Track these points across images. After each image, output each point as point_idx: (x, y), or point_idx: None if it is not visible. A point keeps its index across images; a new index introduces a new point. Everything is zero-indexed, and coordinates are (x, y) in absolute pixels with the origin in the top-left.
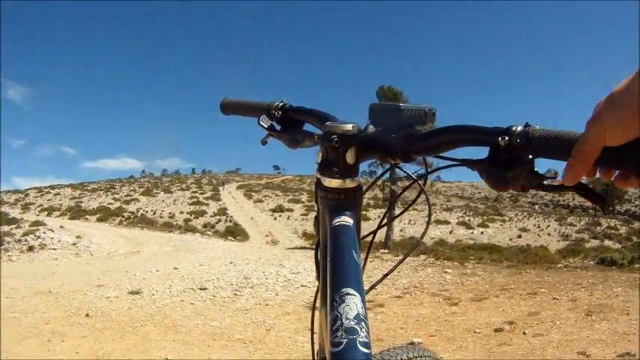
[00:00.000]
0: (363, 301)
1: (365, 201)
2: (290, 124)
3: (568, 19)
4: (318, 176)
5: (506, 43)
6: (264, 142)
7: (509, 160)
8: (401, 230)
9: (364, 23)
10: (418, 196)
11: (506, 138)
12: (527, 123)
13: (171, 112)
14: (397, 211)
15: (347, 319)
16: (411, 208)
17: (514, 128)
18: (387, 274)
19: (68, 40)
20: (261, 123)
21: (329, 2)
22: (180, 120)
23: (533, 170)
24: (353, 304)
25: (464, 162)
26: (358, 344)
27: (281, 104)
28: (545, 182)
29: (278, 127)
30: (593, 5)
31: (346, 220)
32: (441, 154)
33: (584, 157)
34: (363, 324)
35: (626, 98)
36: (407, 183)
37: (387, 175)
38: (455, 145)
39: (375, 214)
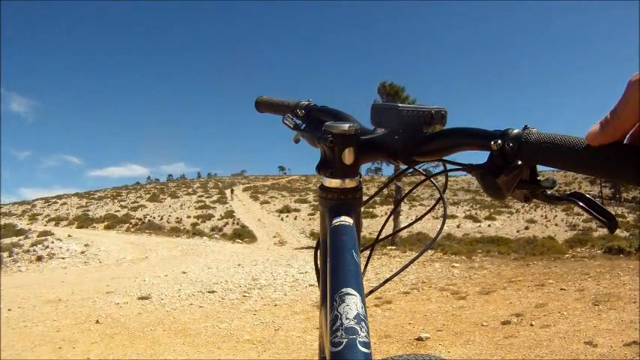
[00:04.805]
0: (363, 301)
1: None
2: (313, 124)
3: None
4: (319, 176)
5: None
6: (296, 141)
7: (502, 166)
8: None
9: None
10: (437, 202)
11: (499, 142)
12: (525, 126)
13: (174, 116)
14: (403, 208)
15: (347, 319)
16: (418, 203)
17: (509, 131)
18: (388, 279)
19: (68, 49)
20: (285, 122)
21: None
22: (184, 124)
23: (530, 178)
24: (353, 304)
25: (464, 166)
26: (358, 344)
27: (306, 103)
28: (547, 192)
29: (303, 126)
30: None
31: (346, 219)
32: (443, 158)
33: (622, 115)
34: (363, 324)
35: None
36: (413, 179)
37: (393, 171)
38: (456, 148)
39: (380, 211)
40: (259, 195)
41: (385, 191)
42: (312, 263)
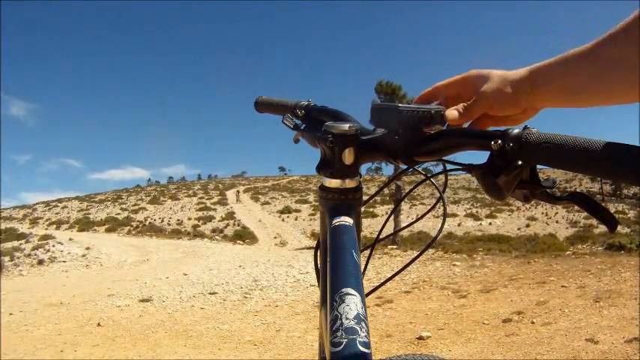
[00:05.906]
0: (363, 301)
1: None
2: (313, 124)
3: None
4: (319, 176)
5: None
6: (295, 141)
7: (503, 167)
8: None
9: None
10: (437, 202)
11: (499, 142)
12: (525, 126)
13: (174, 118)
14: (403, 207)
15: (347, 319)
16: (418, 202)
17: (509, 131)
18: (388, 279)
19: (68, 52)
20: (285, 122)
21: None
22: (183, 126)
23: (530, 178)
24: (353, 304)
25: (464, 166)
26: (358, 344)
27: (306, 103)
28: (547, 192)
29: (302, 126)
30: None
31: (346, 220)
32: (443, 158)
33: (473, 106)
34: (363, 324)
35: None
36: (413, 179)
37: (393, 171)
38: (456, 149)
39: (381, 211)
40: (260, 196)
41: (386, 191)
42: (313, 264)
